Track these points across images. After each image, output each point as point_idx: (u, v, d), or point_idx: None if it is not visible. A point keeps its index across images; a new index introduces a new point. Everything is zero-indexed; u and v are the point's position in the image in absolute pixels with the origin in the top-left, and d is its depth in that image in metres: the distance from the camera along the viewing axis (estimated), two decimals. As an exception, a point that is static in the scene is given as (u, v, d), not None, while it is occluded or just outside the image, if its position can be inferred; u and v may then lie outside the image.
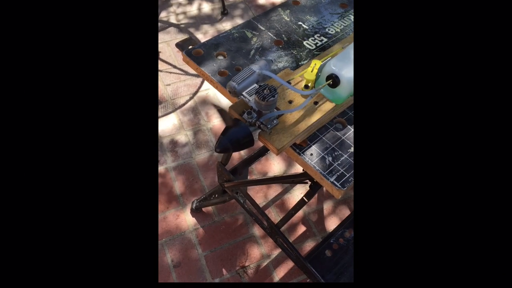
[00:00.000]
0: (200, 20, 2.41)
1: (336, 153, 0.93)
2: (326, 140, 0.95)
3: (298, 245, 1.64)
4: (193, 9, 2.47)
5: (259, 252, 1.61)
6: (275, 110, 0.90)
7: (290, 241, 1.64)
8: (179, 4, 2.48)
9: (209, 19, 2.42)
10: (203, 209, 1.70)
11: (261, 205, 1.72)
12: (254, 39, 1.13)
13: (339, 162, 0.91)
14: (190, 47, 1.09)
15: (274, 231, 1.42)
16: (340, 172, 0.90)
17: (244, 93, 0.87)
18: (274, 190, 1.78)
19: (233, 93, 0.87)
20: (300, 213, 1.71)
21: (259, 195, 1.76)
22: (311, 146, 0.94)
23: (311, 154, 0.92)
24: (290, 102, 0.93)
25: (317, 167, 0.90)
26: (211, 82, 1.03)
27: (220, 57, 1.08)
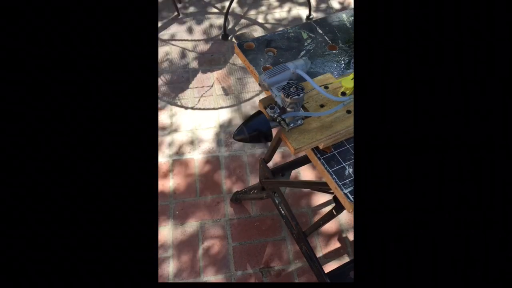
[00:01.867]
0: (287, 22, 2.45)
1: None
2: (352, 151, 0.92)
3: (327, 260, 1.59)
4: (283, 11, 2.51)
5: (287, 256, 1.59)
6: (301, 110, 0.89)
7: (322, 253, 1.60)
8: (269, 5, 2.55)
9: (295, 22, 2.44)
10: (243, 202, 1.73)
11: (300, 212, 1.70)
12: (309, 40, 1.13)
13: (350, 172, 0.87)
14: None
15: (300, 238, 1.40)
16: (350, 177, 0.86)
17: (273, 87, 0.87)
18: (318, 199, 1.74)
19: (263, 86, 0.89)
20: (338, 228, 1.66)
21: (303, 201, 1.74)
22: (334, 153, 0.92)
23: (332, 162, 0.90)
24: (322, 106, 0.92)
25: (334, 176, 0.88)
26: (254, 75, 1.06)
27: (270, 54, 1.10)
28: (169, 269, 1.54)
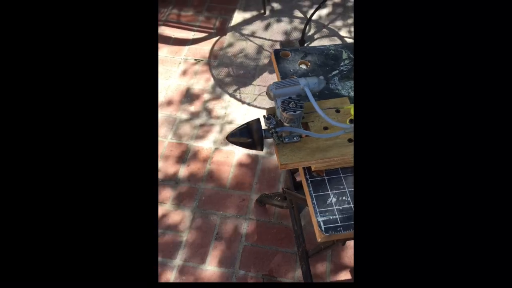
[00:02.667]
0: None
1: (343, 198, 0.85)
2: (343, 182, 0.88)
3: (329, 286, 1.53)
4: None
5: (293, 272, 1.57)
6: (300, 127, 0.88)
7: (326, 280, 1.55)
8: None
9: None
10: (267, 206, 1.74)
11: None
12: (347, 61, 1.09)
13: (340, 208, 0.84)
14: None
15: (303, 256, 1.37)
16: (333, 217, 0.82)
17: (278, 99, 0.87)
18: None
19: (269, 95, 0.89)
20: (351, 260, 1.59)
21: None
22: (324, 179, 0.89)
23: (319, 186, 0.87)
24: (325, 128, 0.89)
25: (315, 200, 0.85)
26: (278, 83, 1.06)
27: (303, 66, 1.09)
28: (179, 248, 1.62)
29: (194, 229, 1.67)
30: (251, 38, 2.37)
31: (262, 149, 0.87)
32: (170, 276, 1.55)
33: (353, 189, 0.87)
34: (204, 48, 2.31)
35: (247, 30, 2.42)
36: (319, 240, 0.82)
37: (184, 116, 2.03)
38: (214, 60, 2.25)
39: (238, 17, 2.51)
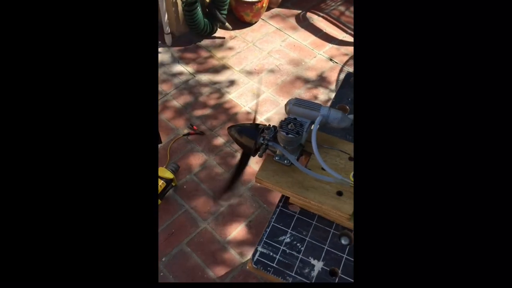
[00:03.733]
0: None
1: (296, 244, 0.77)
2: (310, 230, 0.79)
3: None
4: None
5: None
6: (297, 153, 0.81)
7: None
8: None
9: None
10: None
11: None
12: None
13: (286, 251, 0.76)
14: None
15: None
16: (274, 255, 0.75)
17: (290, 115, 0.82)
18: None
19: (285, 108, 0.83)
20: None
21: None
22: (294, 215, 0.81)
23: (284, 220, 0.80)
24: (323, 169, 0.80)
25: (268, 229, 0.79)
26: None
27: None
28: (210, 219, 1.65)
29: (236, 206, 1.69)
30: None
31: (254, 155, 0.83)
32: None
33: (313, 241, 0.77)
34: (345, 52, 2.22)
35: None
36: (248, 266, 0.77)
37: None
38: (347, 67, 2.15)
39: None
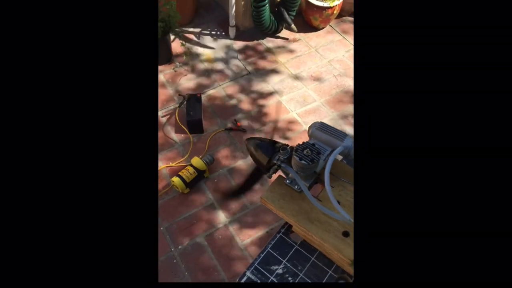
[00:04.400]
0: None
1: (287, 277, 0.71)
2: (306, 266, 0.73)
3: None
4: None
5: None
6: (309, 181, 0.75)
7: None
8: None
9: None
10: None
11: None
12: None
13: (275, 281, 0.71)
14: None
15: None
16: (261, 282, 0.71)
17: (312, 139, 0.76)
18: None
19: (308, 131, 0.78)
20: None
21: None
22: (294, 246, 0.75)
23: (281, 246, 0.75)
24: (339, 202, 0.74)
25: (262, 255, 0.74)
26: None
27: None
28: (233, 218, 1.63)
29: (258, 207, 1.66)
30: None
31: (265, 173, 0.79)
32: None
33: (306, 279, 0.71)
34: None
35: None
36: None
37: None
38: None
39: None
